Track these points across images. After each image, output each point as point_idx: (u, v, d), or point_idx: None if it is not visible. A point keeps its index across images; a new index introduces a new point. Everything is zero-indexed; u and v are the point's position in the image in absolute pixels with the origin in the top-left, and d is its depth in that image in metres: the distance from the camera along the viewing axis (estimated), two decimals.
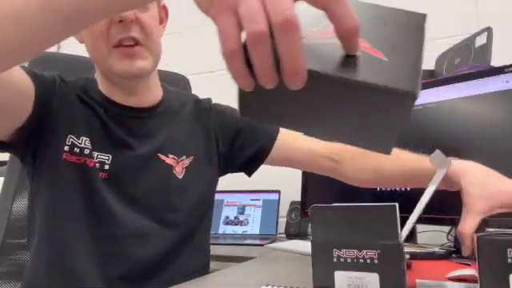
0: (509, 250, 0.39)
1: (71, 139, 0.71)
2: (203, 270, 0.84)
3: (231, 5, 0.30)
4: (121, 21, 0.68)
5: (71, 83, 0.76)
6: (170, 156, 0.79)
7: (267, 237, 1.46)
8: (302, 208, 1.07)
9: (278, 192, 1.59)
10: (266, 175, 1.72)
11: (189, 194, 0.79)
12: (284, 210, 1.56)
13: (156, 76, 0.82)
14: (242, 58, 0.30)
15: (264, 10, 0.29)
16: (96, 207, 0.71)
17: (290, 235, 1.50)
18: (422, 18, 0.35)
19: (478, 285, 0.41)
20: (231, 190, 1.59)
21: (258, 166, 0.90)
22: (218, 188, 1.75)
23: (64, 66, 0.97)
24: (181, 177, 0.79)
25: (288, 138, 0.87)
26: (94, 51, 0.73)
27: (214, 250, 1.24)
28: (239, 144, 0.87)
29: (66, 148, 0.70)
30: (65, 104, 0.72)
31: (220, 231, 1.55)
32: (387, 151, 0.34)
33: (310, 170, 0.92)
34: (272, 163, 0.90)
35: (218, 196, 1.63)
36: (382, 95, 0.28)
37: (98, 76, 0.79)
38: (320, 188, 1.04)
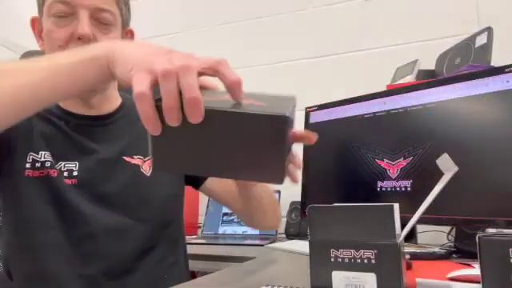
0: (510, 250, 0.39)
1: (31, 156, 0.73)
2: (184, 264, 0.87)
3: (147, 68, 0.38)
4: (80, 38, 0.70)
5: None
6: (136, 157, 0.81)
7: (267, 237, 1.45)
8: (302, 208, 1.07)
9: (278, 192, 1.59)
10: None
11: (158, 189, 0.82)
12: (284, 210, 1.56)
13: (115, 88, 0.86)
14: (150, 101, 0.37)
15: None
16: (67, 212, 0.73)
17: (289, 235, 1.50)
18: (291, 98, 0.44)
19: (478, 285, 0.41)
20: None
21: (202, 182, 0.92)
22: None
23: None
24: (149, 174, 0.81)
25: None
26: None
27: (214, 250, 1.25)
28: None
29: (28, 165, 0.73)
30: (22, 126, 0.74)
31: (220, 231, 1.55)
32: (279, 180, 0.39)
33: (230, 208, 0.97)
34: (210, 194, 0.94)
35: None
36: (260, 120, 0.36)
37: None
38: (320, 188, 1.04)
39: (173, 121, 0.37)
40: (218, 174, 0.41)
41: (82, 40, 0.71)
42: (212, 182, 0.91)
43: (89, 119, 0.81)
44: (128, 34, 0.86)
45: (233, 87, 0.40)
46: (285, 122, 0.36)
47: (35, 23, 0.79)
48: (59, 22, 0.72)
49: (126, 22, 0.83)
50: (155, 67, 0.37)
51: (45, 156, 0.74)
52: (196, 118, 0.36)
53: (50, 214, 0.72)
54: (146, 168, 0.81)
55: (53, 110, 0.80)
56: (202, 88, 0.39)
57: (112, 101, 0.86)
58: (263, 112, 0.36)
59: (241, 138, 0.37)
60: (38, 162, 0.74)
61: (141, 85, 0.37)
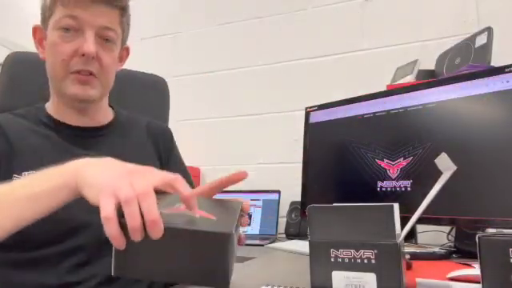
0: (510, 250, 0.39)
1: (15, 178, 0.73)
2: None
3: (111, 193, 0.44)
4: (83, 55, 0.75)
5: (17, 120, 0.79)
6: None
7: (267, 237, 1.45)
8: (302, 208, 1.07)
9: (278, 192, 1.59)
10: (266, 175, 1.72)
11: None
12: (284, 210, 1.56)
13: (106, 100, 0.89)
14: (115, 223, 0.43)
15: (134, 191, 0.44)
16: (61, 226, 0.72)
17: (289, 235, 1.49)
18: (238, 205, 0.56)
19: (478, 285, 0.41)
20: (231, 190, 1.59)
21: None
22: None
23: None
24: None
25: None
26: (52, 72, 0.79)
27: None
28: None
29: None
30: (1, 149, 0.74)
31: None
32: (224, 285, 0.45)
33: None
34: None
35: (218, 196, 1.63)
36: (210, 236, 0.44)
37: (50, 101, 0.84)
38: (320, 188, 1.04)
39: (137, 237, 0.43)
40: (170, 279, 0.48)
41: (86, 57, 0.75)
42: None
43: (81, 130, 0.82)
44: (124, 51, 0.90)
45: (187, 201, 0.47)
46: (229, 237, 0.44)
47: (37, 31, 0.82)
48: (65, 36, 0.75)
49: (124, 40, 0.87)
50: (118, 193, 0.44)
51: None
52: (157, 234, 0.43)
53: (41, 231, 0.71)
54: None
55: (43, 120, 0.81)
56: (160, 191, 0.47)
57: (103, 112, 0.88)
58: (212, 229, 0.45)
59: (193, 249, 0.45)
60: None
61: (107, 209, 0.43)
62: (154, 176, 0.48)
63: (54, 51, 0.76)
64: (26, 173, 0.74)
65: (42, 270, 0.71)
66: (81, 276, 0.72)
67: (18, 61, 0.97)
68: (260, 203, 1.58)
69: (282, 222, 1.55)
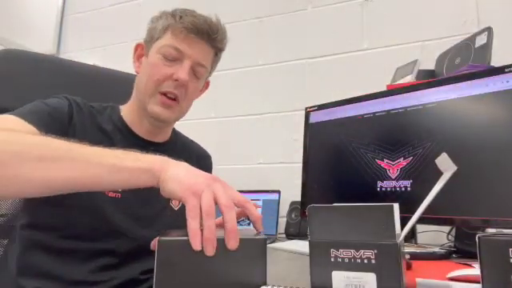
0: (510, 250, 0.39)
1: None
2: None
3: (196, 192, 0.51)
4: (176, 80, 0.83)
5: (95, 114, 0.84)
6: None
7: (267, 237, 1.45)
8: (301, 208, 1.06)
9: (278, 192, 1.59)
10: (266, 175, 1.72)
11: (184, 222, 0.85)
12: (284, 210, 1.56)
13: (174, 123, 0.96)
14: (198, 222, 0.48)
15: (215, 199, 0.51)
16: (102, 225, 0.75)
17: (289, 235, 1.49)
18: (251, 229, 0.61)
19: (478, 285, 0.41)
20: None
21: None
22: None
23: (61, 70, 0.97)
24: (176, 208, 0.87)
25: None
26: (143, 87, 0.85)
27: None
28: None
29: None
30: (78, 132, 0.79)
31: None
32: (264, 283, 0.52)
33: None
34: None
35: None
36: (254, 241, 0.53)
37: (128, 107, 0.90)
38: (320, 188, 1.04)
39: (210, 250, 0.47)
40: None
41: (177, 82, 0.83)
42: None
43: (144, 142, 0.88)
44: (205, 84, 0.98)
45: (257, 221, 0.56)
46: (266, 241, 0.54)
47: (138, 48, 0.91)
48: (165, 61, 0.84)
49: (209, 75, 0.96)
50: (201, 199, 0.50)
51: None
52: (234, 245, 0.49)
53: (81, 224, 0.74)
54: (175, 203, 0.88)
55: (114, 121, 0.86)
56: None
57: (167, 132, 0.95)
58: (254, 237, 0.53)
59: (237, 256, 0.50)
60: None
61: (195, 210, 0.49)
62: (233, 191, 0.54)
63: (151, 70, 0.84)
64: None
65: (71, 264, 0.74)
66: (103, 277, 0.75)
67: (9, 58, 0.96)
68: (260, 203, 1.58)
69: (282, 222, 1.55)
